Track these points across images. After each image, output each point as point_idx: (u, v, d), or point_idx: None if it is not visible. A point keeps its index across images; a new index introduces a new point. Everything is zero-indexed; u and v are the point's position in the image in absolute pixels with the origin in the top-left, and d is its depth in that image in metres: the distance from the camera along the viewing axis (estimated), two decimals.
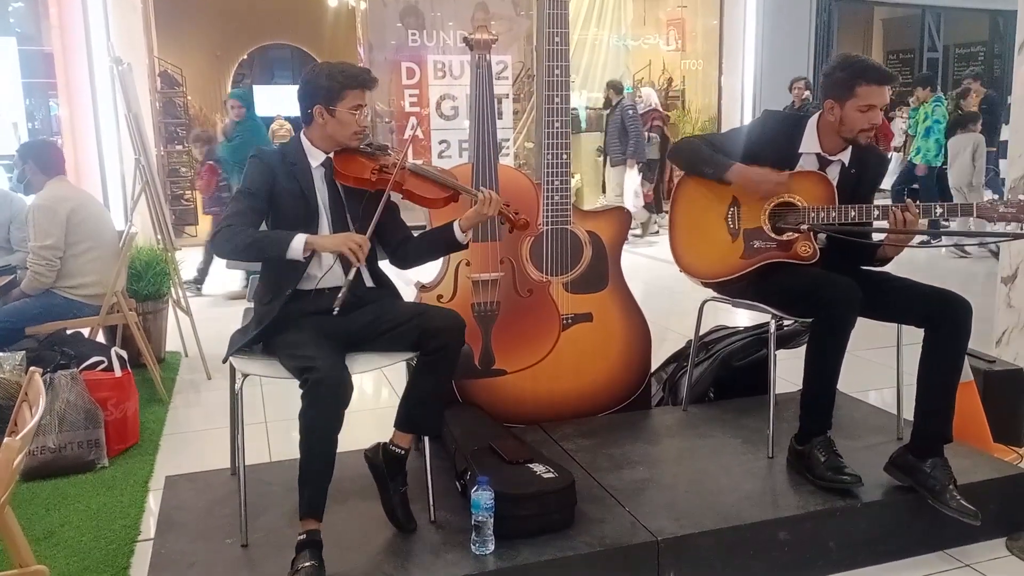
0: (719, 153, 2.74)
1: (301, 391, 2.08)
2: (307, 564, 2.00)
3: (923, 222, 2.55)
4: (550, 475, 2.34)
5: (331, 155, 2.39)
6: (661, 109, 9.14)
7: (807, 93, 8.67)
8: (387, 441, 2.33)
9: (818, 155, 2.66)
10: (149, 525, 2.71)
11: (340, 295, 2.24)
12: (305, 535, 2.07)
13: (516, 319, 2.97)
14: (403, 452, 2.32)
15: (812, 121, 2.69)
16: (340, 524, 2.32)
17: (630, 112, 8.53)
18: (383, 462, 2.30)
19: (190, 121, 10.58)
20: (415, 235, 2.53)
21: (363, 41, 9.84)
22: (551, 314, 3.00)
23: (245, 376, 2.28)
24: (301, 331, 2.26)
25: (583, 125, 10.56)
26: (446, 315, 2.31)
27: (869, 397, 3.34)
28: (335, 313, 2.24)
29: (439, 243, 2.47)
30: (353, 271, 2.27)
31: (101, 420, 3.21)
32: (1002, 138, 8.53)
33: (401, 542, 2.25)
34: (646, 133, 8.72)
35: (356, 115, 2.33)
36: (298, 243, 2.21)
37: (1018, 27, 3.93)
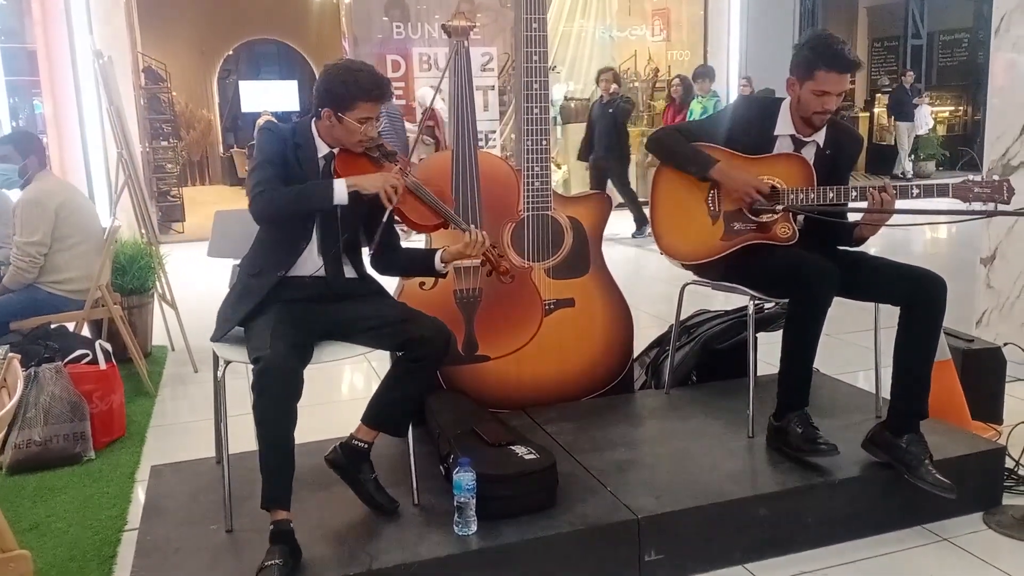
0: (698, 140, 2.76)
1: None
2: (273, 562, 1.99)
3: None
4: (531, 456, 2.36)
5: (335, 151, 2.39)
6: (436, 110, 8.23)
7: (615, 86, 8.24)
8: (347, 438, 2.32)
9: (792, 137, 2.70)
10: (135, 515, 2.72)
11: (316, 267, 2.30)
12: (273, 525, 2.07)
13: (498, 305, 2.99)
14: (365, 446, 2.31)
15: (786, 104, 2.72)
16: (323, 508, 2.35)
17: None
18: (344, 459, 2.30)
19: (175, 117, 10.54)
20: (402, 247, 2.54)
21: (348, 35, 9.84)
22: (533, 300, 3.02)
23: (227, 363, 2.29)
24: (265, 319, 2.25)
25: (569, 116, 10.57)
26: (432, 325, 2.30)
27: (848, 378, 3.37)
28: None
29: (419, 266, 2.51)
30: (388, 210, 2.27)
31: (87, 413, 3.22)
32: None
33: (384, 525, 2.27)
34: (423, 137, 8.11)
35: (363, 126, 2.32)
36: (341, 186, 2.22)
37: (994, 12, 3.97)
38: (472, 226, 2.42)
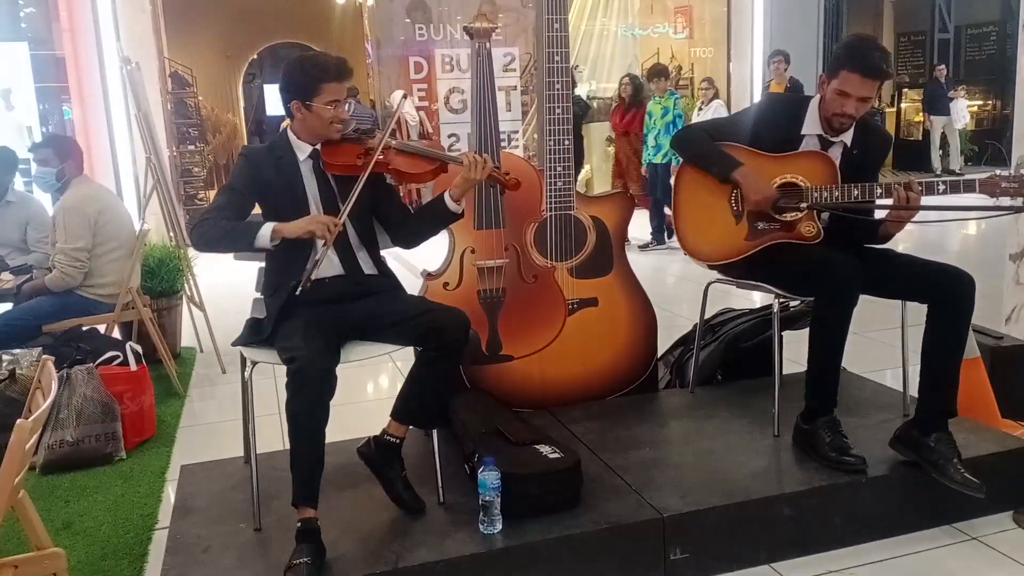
0: (724, 138, 2.75)
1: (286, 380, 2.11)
2: (302, 560, 2.02)
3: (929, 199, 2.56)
4: (556, 455, 2.37)
5: (318, 147, 2.41)
6: (403, 114, 7.88)
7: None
8: (380, 432, 2.35)
9: (820, 136, 2.68)
10: (166, 514, 2.76)
11: (305, 273, 2.29)
12: (300, 523, 2.10)
13: (522, 305, 3.00)
14: (397, 441, 2.34)
15: (814, 103, 2.70)
16: (350, 507, 2.37)
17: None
18: (376, 453, 2.33)
19: (202, 121, 10.67)
20: (413, 213, 2.56)
21: (371, 37, 9.89)
22: (556, 299, 3.03)
23: (254, 364, 2.32)
24: (295, 321, 2.28)
25: (592, 115, 10.55)
26: (452, 313, 2.32)
27: (875, 376, 3.34)
28: (297, 293, 2.28)
29: (435, 216, 2.48)
30: (323, 250, 2.29)
31: (118, 413, 3.27)
32: None
33: (410, 523, 2.29)
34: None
35: (334, 108, 2.33)
36: (265, 231, 2.24)
37: (1022, 5, 3.91)
38: (468, 152, 2.42)
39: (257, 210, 2.42)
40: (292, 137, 2.43)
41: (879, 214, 2.67)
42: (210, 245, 2.31)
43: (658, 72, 8.01)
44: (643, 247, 7.68)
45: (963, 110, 12.74)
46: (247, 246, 2.27)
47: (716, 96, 8.44)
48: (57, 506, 2.89)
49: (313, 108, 2.33)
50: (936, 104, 12.62)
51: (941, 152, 12.73)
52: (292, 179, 2.39)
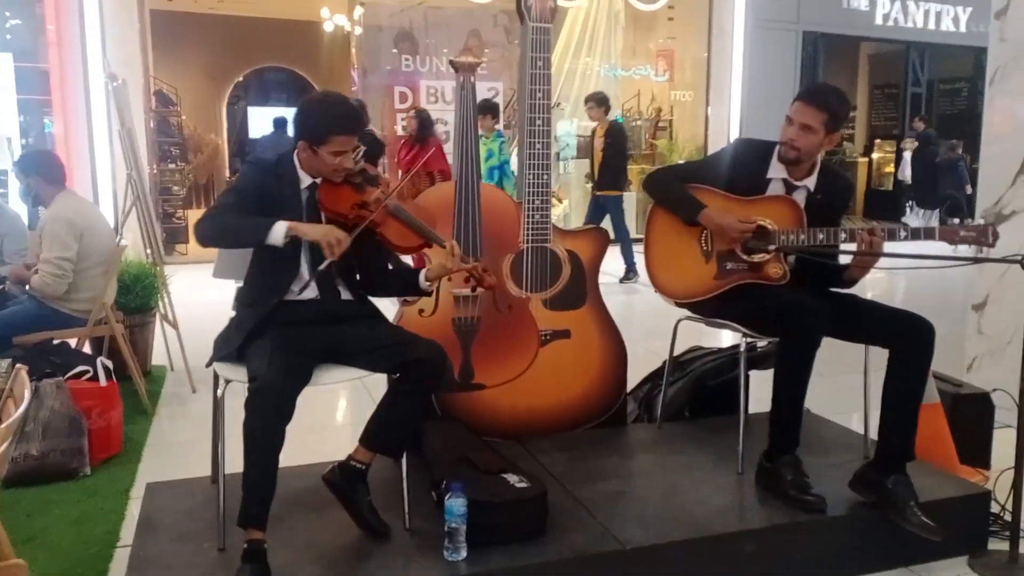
0: (693, 179, 2.84)
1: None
2: None
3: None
4: (523, 485, 2.40)
5: (318, 180, 2.44)
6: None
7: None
8: (345, 458, 2.36)
9: (784, 180, 2.78)
10: (129, 532, 2.74)
11: (304, 282, 2.33)
12: (247, 544, 2.10)
13: (496, 334, 3.03)
14: (363, 467, 2.34)
15: (779, 148, 2.79)
16: (313, 531, 2.38)
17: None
18: (342, 480, 2.33)
19: (184, 140, 10.67)
20: (389, 268, 2.60)
21: (357, 65, 9.99)
22: (530, 330, 3.07)
23: (228, 382, 2.33)
24: (265, 341, 2.28)
25: (572, 152, 10.70)
26: (431, 347, 2.34)
27: (839, 419, 3.41)
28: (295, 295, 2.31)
29: (404, 284, 2.54)
30: (325, 264, 2.31)
31: (85, 429, 3.25)
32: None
33: (374, 548, 2.30)
34: None
35: (338, 159, 2.36)
36: (280, 227, 2.24)
37: (989, 62, 4.07)
38: (453, 241, 2.47)
39: None
40: (297, 163, 2.45)
41: (845, 259, 2.75)
42: (217, 235, 2.31)
43: (484, 108, 7.12)
44: None
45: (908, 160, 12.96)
46: (256, 241, 2.29)
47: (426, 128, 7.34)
48: (19, 520, 2.85)
49: (319, 153, 2.35)
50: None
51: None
52: (291, 200, 2.41)
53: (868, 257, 2.61)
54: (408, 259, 3.14)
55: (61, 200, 3.87)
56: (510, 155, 7.26)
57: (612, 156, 7.59)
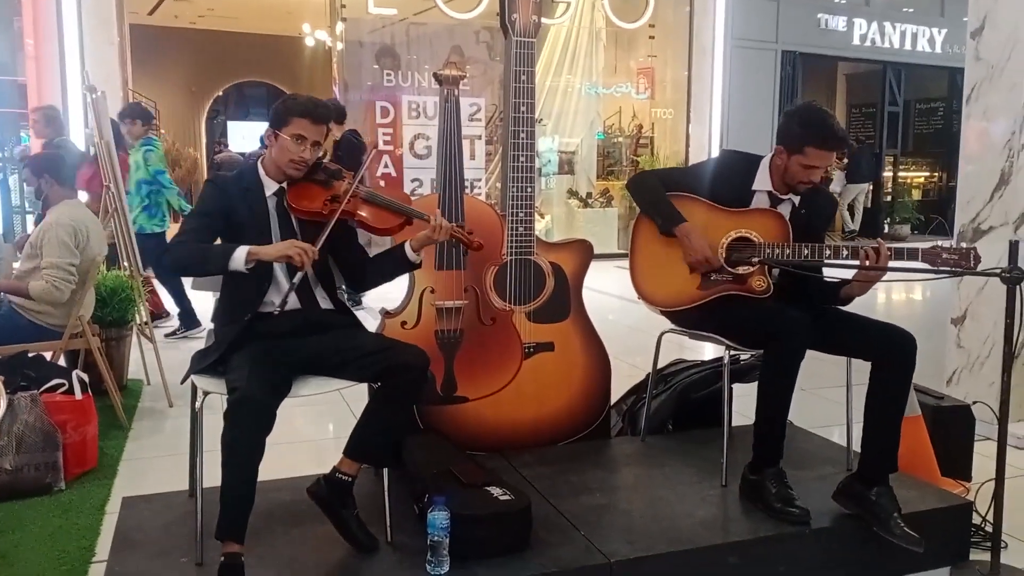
0: (679, 187, 2.84)
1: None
2: None
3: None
4: (506, 498, 2.37)
5: (284, 185, 2.43)
6: None
7: None
8: (330, 471, 2.32)
9: (769, 193, 2.79)
10: (105, 547, 2.68)
11: (281, 295, 2.30)
12: (224, 558, 2.06)
13: (479, 347, 3.02)
14: (349, 479, 2.30)
15: (765, 161, 2.81)
16: (294, 545, 2.34)
17: None
18: (328, 492, 2.29)
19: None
20: (371, 257, 2.58)
21: (339, 80, 9.98)
22: (513, 343, 3.06)
23: (206, 394, 2.30)
24: (245, 353, 2.26)
25: (554, 168, 10.74)
26: (412, 351, 2.32)
27: (822, 432, 3.42)
28: (276, 313, 2.30)
29: (393, 263, 2.53)
30: (300, 275, 2.30)
31: (59, 443, 3.18)
32: None
33: (357, 562, 2.26)
34: None
35: (297, 145, 2.36)
36: (240, 254, 2.24)
37: (965, 81, 4.12)
38: (436, 211, 2.48)
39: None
40: (261, 171, 2.45)
41: (836, 273, 2.76)
42: (184, 268, 2.33)
43: (131, 112, 5.92)
44: (169, 335, 5.75)
45: (840, 180, 12.98)
46: (220, 269, 2.28)
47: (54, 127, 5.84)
48: None
49: (279, 138, 2.38)
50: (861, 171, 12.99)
51: (888, 220, 13.18)
52: (259, 211, 2.41)
53: (873, 273, 2.60)
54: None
55: (68, 207, 3.86)
56: (163, 166, 5.99)
57: None
